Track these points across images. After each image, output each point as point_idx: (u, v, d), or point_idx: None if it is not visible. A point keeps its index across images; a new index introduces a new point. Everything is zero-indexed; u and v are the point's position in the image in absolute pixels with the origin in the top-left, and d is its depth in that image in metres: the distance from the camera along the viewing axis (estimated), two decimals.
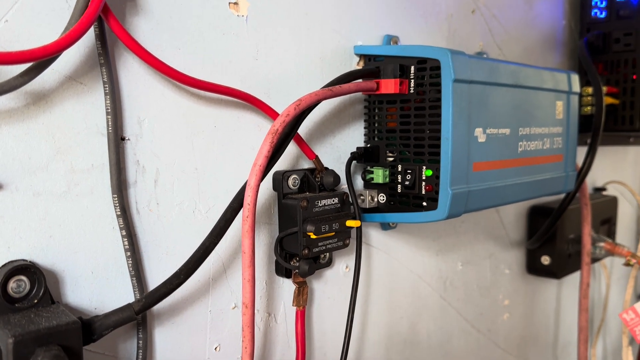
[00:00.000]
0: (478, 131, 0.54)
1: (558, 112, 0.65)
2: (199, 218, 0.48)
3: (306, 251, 0.50)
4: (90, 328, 0.39)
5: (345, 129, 0.58)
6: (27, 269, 0.37)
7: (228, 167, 0.49)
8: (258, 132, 0.51)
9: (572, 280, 1.02)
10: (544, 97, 0.62)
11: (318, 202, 0.50)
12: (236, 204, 0.46)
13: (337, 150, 0.58)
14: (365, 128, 0.59)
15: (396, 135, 0.55)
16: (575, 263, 0.92)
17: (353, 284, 0.54)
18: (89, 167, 0.41)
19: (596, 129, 0.81)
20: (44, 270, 0.39)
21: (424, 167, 0.52)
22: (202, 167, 0.48)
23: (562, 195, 0.82)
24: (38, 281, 0.38)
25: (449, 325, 0.76)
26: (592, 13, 0.89)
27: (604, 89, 0.85)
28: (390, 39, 0.61)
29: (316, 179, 0.53)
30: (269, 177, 0.51)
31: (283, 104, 0.51)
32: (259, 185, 0.44)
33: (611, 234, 1.05)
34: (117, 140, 0.42)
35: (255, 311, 0.53)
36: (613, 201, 1.05)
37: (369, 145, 0.57)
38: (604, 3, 0.88)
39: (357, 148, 0.57)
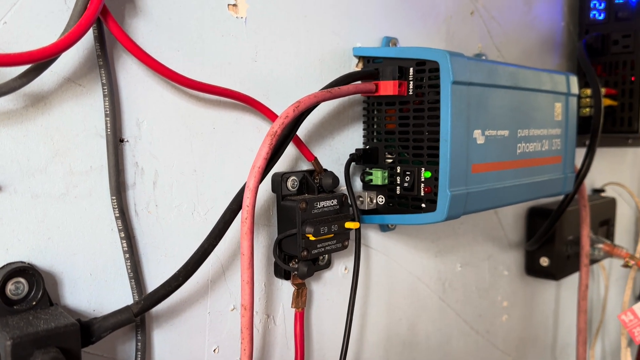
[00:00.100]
0: (477, 133, 0.54)
1: (557, 113, 0.65)
2: (198, 220, 0.48)
3: (305, 253, 0.50)
4: (88, 330, 0.39)
5: (344, 130, 0.58)
6: (25, 271, 0.37)
7: (227, 168, 0.49)
8: (257, 134, 0.51)
9: (571, 281, 1.02)
10: (542, 99, 0.63)
11: (317, 204, 0.50)
12: (235, 206, 0.46)
13: (336, 151, 0.58)
14: (364, 130, 0.59)
15: (395, 137, 0.55)
16: (574, 264, 0.92)
17: (352, 285, 0.54)
18: (87, 169, 0.41)
19: (595, 130, 0.81)
20: (42, 272, 0.39)
21: (423, 169, 0.52)
22: (200, 169, 0.48)
23: (561, 197, 0.82)
24: (36, 283, 0.38)
25: (448, 327, 0.76)
26: (591, 15, 0.90)
27: (603, 90, 0.85)
28: (389, 41, 0.61)
29: (315, 180, 0.53)
30: (268, 178, 0.51)
31: (282, 106, 0.51)
32: (257, 186, 0.44)
33: (610, 235, 1.05)
34: (116, 142, 0.42)
35: (254, 313, 0.52)
36: (612, 203, 1.05)
37: (367, 147, 0.57)
38: (603, 5, 0.88)
39: (356, 150, 0.57)
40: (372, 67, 0.56)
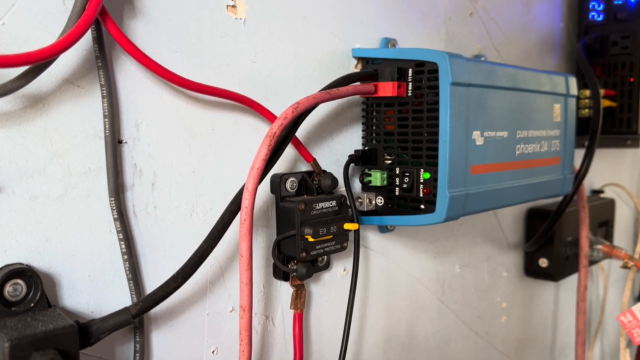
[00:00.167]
0: (476, 134, 0.54)
1: (556, 114, 0.65)
2: (197, 221, 0.48)
3: (304, 254, 0.49)
4: (87, 332, 0.39)
5: (343, 131, 0.58)
6: (23, 272, 0.37)
7: (226, 170, 0.49)
8: (256, 135, 0.51)
9: (570, 282, 1.02)
10: (541, 100, 0.63)
11: (316, 205, 0.50)
12: (234, 207, 0.46)
13: (335, 153, 0.58)
14: (363, 131, 0.59)
15: (394, 138, 0.55)
16: (572, 265, 0.92)
17: (351, 286, 0.54)
18: (86, 170, 0.41)
19: (594, 131, 0.81)
20: (40, 274, 0.38)
21: (422, 170, 0.52)
22: (199, 170, 0.48)
23: (560, 198, 0.82)
24: (34, 285, 0.38)
25: (447, 328, 0.76)
26: (590, 16, 0.90)
27: (602, 91, 0.85)
28: (388, 42, 0.61)
29: (314, 181, 0.53)
30: (267, 180, 0.51)
31: (281, 107, 0.51)
32: (256, 188, 0.44)
33: (609, 236, 1.05)
34: (115, 143, 0.42)
35: (253, 314, 0.52)
36: (610, 204, 1.05)
37: (366, 148, 0.57)
38: (602, 6, 0.89)
39: (355, 151, 0.57)
40: (371, 68, 0.56)
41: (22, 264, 0.38)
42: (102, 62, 0.40)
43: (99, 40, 0.40)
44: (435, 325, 0.74)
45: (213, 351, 0.50)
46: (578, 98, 0.85)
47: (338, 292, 0.60)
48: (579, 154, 0.81)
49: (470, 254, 0.78)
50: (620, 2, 0.86)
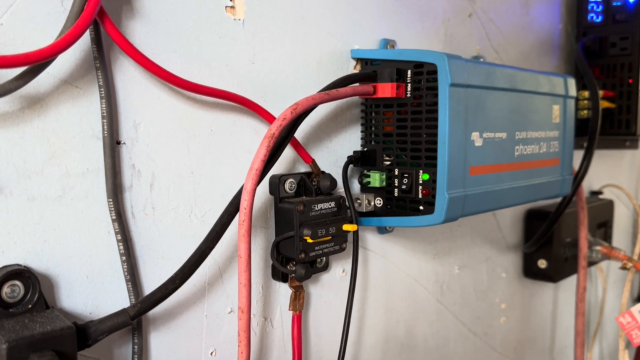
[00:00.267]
0: (475, 135, 0.54)
1: (554, 116, 0.65)
2: (195, 222, 0.48)
3: (303, 255, 0.49)
4: (85, 333, 0.39)
5: (342, 132, 0.58)
6: (21, 273, 0.37)
7: (224, 171, 0.49)
8: (254, 136, 0.51)
9: (569, 283, 1.02)
10: (540, 101, 0.63)
11: (315, 206, 0.50)
12: (232, 208, 0.46)
13: (334, 154, 0.58)
14: (362, 132, 0.59)
15: (393, 139, 0.55)
16: (571, 267, 0.92)
17: (350, 287, 0.54)
18: (84, 171, 0.41)
19: (592, 132, 0.81)
20: (38, 275, 0.38)
21: (421, 171, 0.52)
22: (198, 171, 0.48)
23: (559, 199, 0.82)
24: (32, 286, 0.38)
25: (446, 329, 0.76)
26: (589, 17, 0.90)
27: (600, 92, 0.85)
28: (387, 43, 0.61)
29: (313, 182, 0.53)
30: (266, 181, 0.51)
31: (280, 108, 0.51)
32: (255, 189, 0.44)
33: (607, 237, 1.05)
34: (113, 144, 0.42)
35: (252, 316, 0.52)
36: (609, 205, 1.05)
37: (365, 149, 0.57)
38: (601, 7, 0.89)
39: (354, 152, 0.57)
40: (370, 69, 0.56)
41: (20, 265, 0.38)
42: (100, 63, 0.40)
43: (97, 40, 0.40)
44: (434, 326, 0.74)
45: (211, 352, 0.50)
46: (577, 99, 0.85)
47: (337, 293, 0.60)
48: (578, 155, 0.81)
49: (469, 255, 0.78)
50: (619, 4, 0.86)
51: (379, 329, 0.66)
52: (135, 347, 0.44)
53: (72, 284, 0.41)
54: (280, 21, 0.52)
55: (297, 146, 0.52)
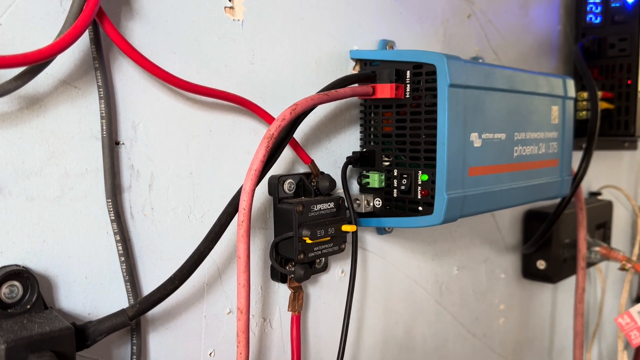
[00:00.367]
0: (474, 136, 0.54)
1: (553, 117, 0.66)
2: (194, 223, 0.48)
3: (302, 256, 0.49)
4: (83, 333, 0.39)
5: (341, 133, 0.58)
6: (20, 274, 0.37)
7: (223, 171, 0.49)
8: (253, 137, 0.51)
9: (568, 284, 1.02)
10: (539, 102, 0.63)
11: (314, 207, 0.50)
12: (231, 209, 0.46)
13: (333, 154, 0.58)
14: (361, 132, 0.59)
15: (392, 140, 0.55)
16: (570, 267, 0.92)
17: (349, 288, 0.54)
18: (83, 171, 0.41)
19: (591, 133, 0.81)
20: (37, 276, 0.38)
21: (420, 172, 0.52)
22: (197, 172, 0.48)
23: (558, 200, 0.82)
24: (31, 286, 0.37)
25: (445, 330, 0.76)
26: (587, 18, 0.90)
27: (599, 93, 0.85)
28: (386, 44, 0.61)
29: (312, 183, 0.53)
30: (265, 181, 0.51)
31: (279, 109, 0.51)
32: (254, 189, 0.44)
33: (606, 238, 1.05)
34: (112, 144, 0.42)
35: (251, 316, 0.52)
36: (608, 206, 1.05)
37: (364, 150, 0.57)
38: (599, 8, 0.89)
39: (353, 152, 0.57)
40: (369, 70, 0.56)
41: (19, 266, 0.38)
42: (99, 63, 0.40)
43: (96, 41, 0.40)
44: (433, 327, 0.74)
45: (210, 353, 0.50)
46: (576, 100, 0.85)
47: (336, 294, 0.60)
48: (577, 156, 0.81)
49: (468, 256, 0.78)
50: (617, 5, 0.87)
51: (378, 330, 0.66)
52: (134, 347, 0.44)
53: (70, 285, 0.41)
54: (280, 22, 0.52)
55: (296, 147, 0.52)
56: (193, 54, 0.46)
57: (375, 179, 0.55)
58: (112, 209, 0.42)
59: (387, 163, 0.55)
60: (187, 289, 0.48)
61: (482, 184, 0.55)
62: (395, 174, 0.54)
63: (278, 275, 0.53)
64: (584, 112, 0.87)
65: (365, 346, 0.65)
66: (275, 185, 0.50)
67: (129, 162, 0.43)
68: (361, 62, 0.58)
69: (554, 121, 0.66)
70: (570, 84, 0.68)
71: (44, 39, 0.39)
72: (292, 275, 0.51)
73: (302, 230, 0.49)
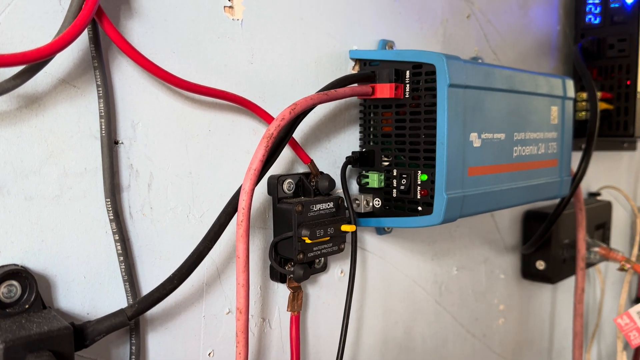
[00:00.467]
0: (473, 136, 0.53)
1: (553, 117, 0.66)
2: (193, 222, 0.48)
3: (301, 256, 0.49)
4: (82, 333, 0.39)
5: (341, 133, 0.58)
6: (18, 273, 0.37)
7: (222, 171, 0.49)
8: (253, 136, 0.51)
9: (567, 285, 1.02)
10: (538, 102, 0.63)
11: (313, 207, 0.50)
12: (230, 208, 0.46)
13: (332, 154, 0.58)
14: (360, 132, 0.59)
15: (391, 140, 0.55)
16: (570, 268, 0.92)
17: (348, 288, 0.54)
18: (82, 170, 0.41)
19: (591, 134, 0.81)
20: (35, 275, 0.38)
21: (419, 172, 0.52)
22: (196, 171, 0.47)
23: (557, 200, 0.82)
24: (29, 286, 0.37)
25: (444, 330, 0.76)
26: (587, 19, 0.90)
27: (599, 94, 0.85)
28: (386, 44, 0.61)
29: (311, 183, 0.53)
30: (264, 181, 0.51)
31: (278, 108, 0.51)
32: (253, 189, 0.44)
33: (606, 239, 1.05)
34: (111, 143, 0.42)
35: (250, 316, 0.52)
36: (607, 206, 1.05)
37: (364, 150, 0.57)
38: (598, 9, 0.89)
39: (353, 152, 0.57)
40: (368, 70, 0.56)
41: (17, 265, 0.38)
42: (98, 62, 0.40)
43: (95, 40, 0.40)
44: (433, 328, 0.74)
45: (209, 353, 0.50)
46: (575, 101, 0.85)
47: (335, 294, 0.60)
48: (576, 157, 0.81)
49: (467, 256, 0.78)
50: (616, 5, 0.87)
51: (378, 330, 0.66)
52: (133, 347, 0.44)
53: (69, 284, 0.41)
54: (279, 21, 0.52)
55: (296, 146, 0.52)
56: (192, 54, 0.46)
57: (374, 179, 0.55)
58: (111, 209, 0.42)
59: (387, 163, 0.55)
60: (186, 289, 0.48)
61: (482, 184, 0.55)
62: (395, 174, 0.54)
63: (277, 275, 0.53)
64: (584, 113, 0.87)
65: (365, 346, 0.65)
66: (274, 185, 0.50)
67: (128, 161, 0.43)
68: (361, 62, 0.58)
69: (553, 121, 0.66)
70: (570, 84, 0.68)
71: (43, 38, 0.38)
72: (292, 275, 0.51)
73: (302, 230, 0.49)
